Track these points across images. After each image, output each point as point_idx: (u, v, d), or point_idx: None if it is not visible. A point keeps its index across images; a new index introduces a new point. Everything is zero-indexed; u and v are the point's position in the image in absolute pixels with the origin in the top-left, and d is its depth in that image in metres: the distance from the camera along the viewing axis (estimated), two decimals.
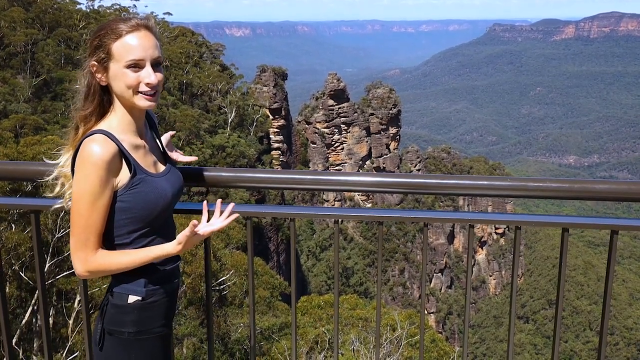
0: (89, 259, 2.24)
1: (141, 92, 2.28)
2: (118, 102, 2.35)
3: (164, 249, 2.32)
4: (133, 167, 2.29)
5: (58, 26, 50.84)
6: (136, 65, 2.25)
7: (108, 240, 2.31)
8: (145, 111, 2.43)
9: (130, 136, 2.35)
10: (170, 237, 2.43)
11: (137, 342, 2.38)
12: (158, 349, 2.47)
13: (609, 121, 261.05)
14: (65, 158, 2.41)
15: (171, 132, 2.94)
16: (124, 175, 2.27)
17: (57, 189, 2.44)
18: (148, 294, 2.38)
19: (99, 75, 2.29)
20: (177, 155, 2.78)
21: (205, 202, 2.40)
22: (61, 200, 2.47)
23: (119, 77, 2.26)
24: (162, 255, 2.32)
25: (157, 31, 2.36)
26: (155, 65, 2.30)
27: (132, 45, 2.24)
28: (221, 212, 2.45)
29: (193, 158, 2.83)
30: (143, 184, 2.31)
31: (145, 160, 2.39)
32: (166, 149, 2.79)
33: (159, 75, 2.31)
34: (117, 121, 2.34)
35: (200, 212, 2.46)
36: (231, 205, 2.47)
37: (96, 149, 2.18)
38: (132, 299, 2.36)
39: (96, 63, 2.27)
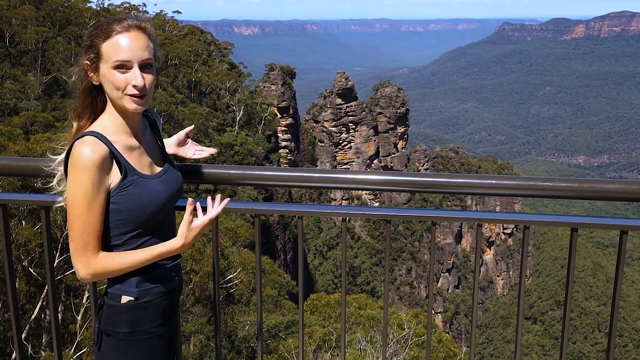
0: (90, 262, 2.23)
1: (128, 95, 2.25)
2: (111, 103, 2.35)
3: (167, 246, 2.32)
4: (124, 168, 2.27)
5: (68, 24, 51.11)
6: (124, 67, 2.23)
7: (102, 241, 2.29)
8: (140, 112, 2.39)
9: (124, 137, 2.34)
10: (167, 237, 2.40)
11: (132, 342, 2.37)
12: (156, 348, 2.44)
13: (619, 121, 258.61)
14: (61, 157, 2.40)
15: (189, 128, 2.95)
16: (115, 176, 2.26)
17: (59, 187, 2.45)
18: (141, 294, 2.36)
19: (91, 75, 2.29)
20: (192, 152, 2.83)
21: (190, 199, 2.34)
22: (61, 199, 2.45)
23: (107, 78, 2.24)
24: (165, 252, 2.31)
25: (153, 32, 2.33)
26: (144, 67, 2.27)
27: (120, 46, 2.21)
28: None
29: (211, 150, 2.85)
30: (134, 185, 2.29)
31: (140, 162, 2.37)
32: (180, 146, 2.84)
33: (148, 77, 2.27)
34: (111, 122, 2.33)
35: (204, 208, 2.43)
36: (218, 196, 2.48)
37: (86, 151, 2.17)
38: (124, 299, 2.35)
39: (88, 63, 2.27)
